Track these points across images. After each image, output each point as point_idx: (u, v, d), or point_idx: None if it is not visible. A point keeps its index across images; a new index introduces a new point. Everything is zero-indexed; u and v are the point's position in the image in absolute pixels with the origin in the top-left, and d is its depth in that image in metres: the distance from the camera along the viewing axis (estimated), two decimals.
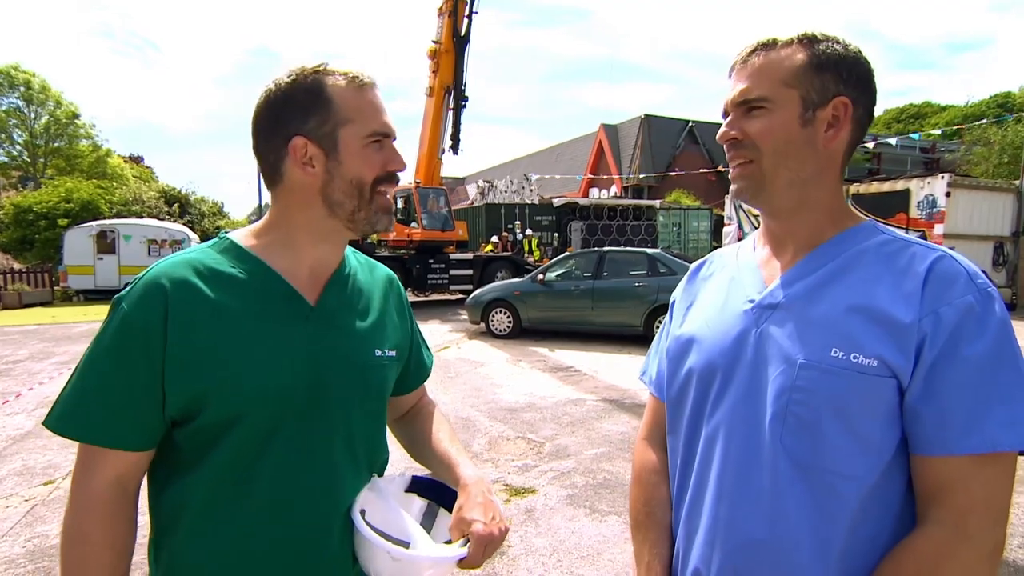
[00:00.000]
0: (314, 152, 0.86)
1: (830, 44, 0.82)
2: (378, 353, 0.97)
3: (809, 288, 0.81)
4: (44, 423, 0.83)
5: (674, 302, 1.05)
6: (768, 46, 0.83)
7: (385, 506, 0.92)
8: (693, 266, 1.06)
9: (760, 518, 0.78)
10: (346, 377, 0.92)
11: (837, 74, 0.81)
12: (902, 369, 0.72)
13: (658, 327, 9.45)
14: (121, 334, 0.82)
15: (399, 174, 0.92)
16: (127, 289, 0.86)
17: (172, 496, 0.86)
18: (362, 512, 0.91)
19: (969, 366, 0.70)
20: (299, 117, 0.86)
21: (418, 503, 0.99)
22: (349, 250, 1.03)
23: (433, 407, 1.17)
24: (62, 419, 0.81)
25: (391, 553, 0.84)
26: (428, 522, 0.95)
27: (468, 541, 0.86)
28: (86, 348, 0.85)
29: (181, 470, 0.86)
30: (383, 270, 1.09)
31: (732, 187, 0.88)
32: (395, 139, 0.92)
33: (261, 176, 0.92)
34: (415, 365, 1.12)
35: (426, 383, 1.19)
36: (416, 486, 1.01)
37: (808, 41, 0.82)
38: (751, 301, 0.86)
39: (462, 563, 0.85)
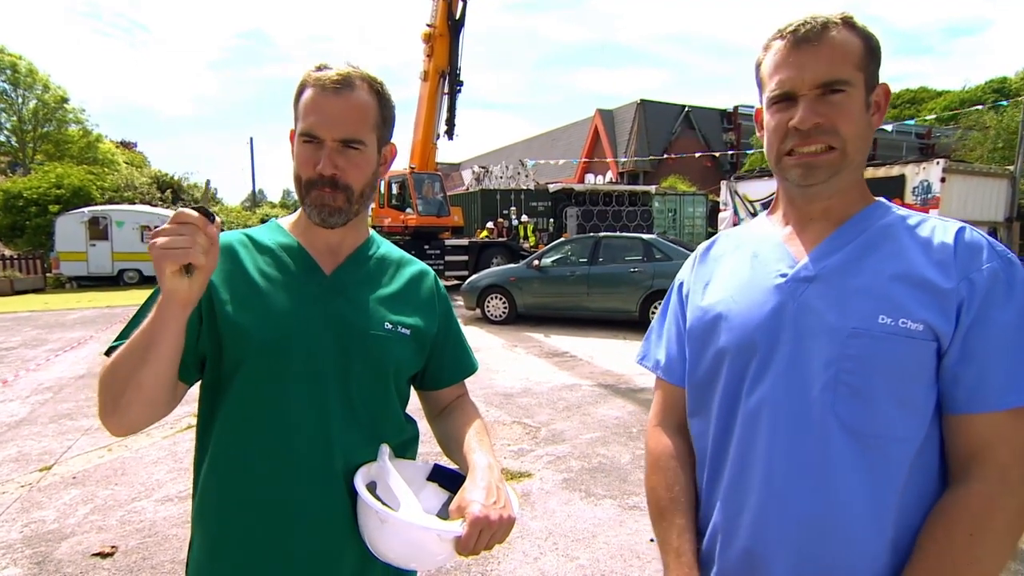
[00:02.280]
0: (293, 146, 0.98)
1: (866, 29, 0.84)
2: (387, 326, 1.01)
3: (845, 260, 0.83)
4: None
5: (682, 283, 1.03)
6: (831, 25, 0.82)
7: (389, 478, 0.92)
8: (702, 247, 1.04)
9: (817, 490, 0.79)
10: (348, 342, 0.97)
11: (879, 60, 0.84)
12: (944, 332, 0.75)
13: (654, 312, 9.37)
14: None
15: (338, 178, 0.95)
16: None
17: (201, 440, 0.99)
18: (372, 485, 0.92)
19: (1003, 328, 0.74)
20: (295, 113, 0.98)
21: (437, 493, 0.98)
22: (383, 240, 1.14)
23: (471, 407, 1.16)
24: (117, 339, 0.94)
25: (379, 514, 0.84)
26: (447, 513, 0.92)
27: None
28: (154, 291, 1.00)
29: (207, 416, 0.98)
30: (417, 264, 1.15)
31: (799, 171, 0.83)
32: (332, 142, 0.93)
33: None
34: (450, 361, 1.14)
35: None
36: (438, 476, 1.00)
37: (852, 24, 0.83)
38: (783, 275, 0.86)
39: (459, 549, 0.83)
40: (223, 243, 0.99)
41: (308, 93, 0.94)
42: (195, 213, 0.77)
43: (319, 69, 0.95)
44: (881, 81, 0.85)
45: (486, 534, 0.83)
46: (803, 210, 0.89)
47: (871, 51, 0.83)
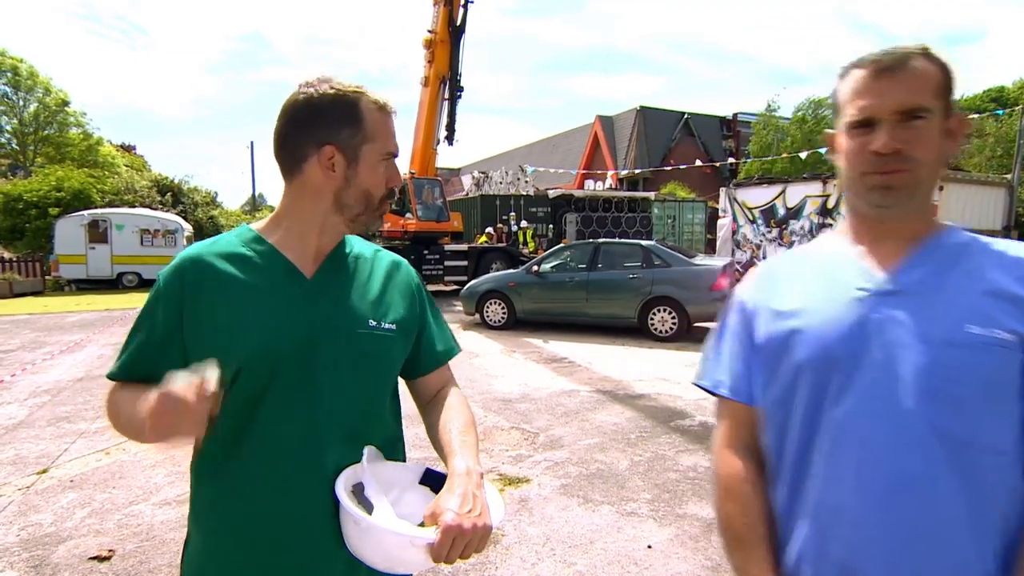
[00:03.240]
0: (338, 160, 0.99)
1: (944, 59, 0.88)
2: (372, 324, 1.03)
3: (928, 275, 0.86)
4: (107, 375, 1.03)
5: (743, 302, 1.02)
6: (913, 55, 0.86)
7: (376, 481, 0.94)
8: (764, 267, 1.05)
9: (916, 502, 0.79)
10: (336, 344, 0.99)
11: (953, 90, 0.88)
12: None
13: (652, 319, 9.23)
14: (154, 299, 1.01)
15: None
16: (165, 269, 1.04)
17: (196, 457, 1.01)
18: (359, 486, 0.94)
19: None
20: (334, 127, 0.98)
21: (427, 496, 0.98)
22: (355, 238, 1.14)
23: (456, 398, 1.15)
24: (115, 369, 1.02)
25: (354, 517, 0.86)
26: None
27: None
28: (140, 311, 1.04)
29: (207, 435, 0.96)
30: (389, 255, 1.17)
31: (879, 193, 0.87)
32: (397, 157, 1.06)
33: (279, 165, 1.02)
34: (430, 346, 1.15)
35: None
36: (429, 479, 1.01)
37: (930, 55, 0.87)
38: (863, 290, 0.88)
39: (433, 556, 0.83)
40: (199, 259, 1.00)
41: (380, 115, 1.02)
42: (193, 400, 0.78)
43: (361, 91, 1.01)
44: (956, 111, 0.87)
45: (460, 542, 0.83)
46: (876, 229, 0.92)
47: (948, 80, 0.86)
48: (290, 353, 0.96)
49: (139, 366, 1.00)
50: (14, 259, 17.27)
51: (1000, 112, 14.58)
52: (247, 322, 0.96)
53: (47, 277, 16.94)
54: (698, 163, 20.47)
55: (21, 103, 27.22)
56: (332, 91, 0.98)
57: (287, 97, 1.00)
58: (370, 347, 1.03)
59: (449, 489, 0.90)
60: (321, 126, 0.98)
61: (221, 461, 0.97)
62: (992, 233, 14.68)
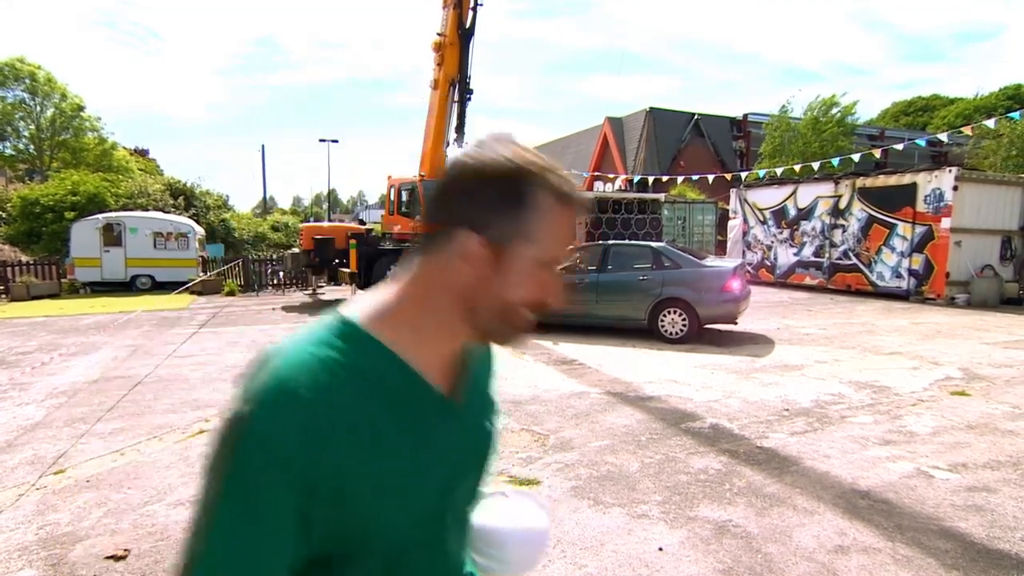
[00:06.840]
0: (480, 254, 0.71)
1: None
2: (495, 437, 0.91)
3: None
4: None
5: None
6: None
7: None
8: None
9: None
10: (478, 474, 0.87)
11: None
12: None
13: (662, 321, 9.19)
14: (257, 470, 0.65)
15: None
16: (247, 402, 0.66)
17: None
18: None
19: None
20: (487, 208, 0.72)
21: None
22: None
23: None
24: None
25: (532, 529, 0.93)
26: None
27: None
28: (209, 486, 0.69)
29: None
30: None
31: None
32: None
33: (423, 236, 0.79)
34: None
35: None
36: None
37: None
38: None
39: None
40: (311, 386, 0.66)
41: (555, 207, 0.72)
42: None
43: (540, 167, 0.72)
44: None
45: None
46: None
47: None
48: (452, 506, 0.80)
49: None
50: (31, 262, 17.52)
51: (1015, 115, 14.32)
52: (413, 482, 0.72)
53: (63, 280, 17.18)
54: (710, 178, 20.31)
55: (38, 109, 27.68)
56: (500, 159, 0.71)
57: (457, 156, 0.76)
58: (494, 457, 0.91)
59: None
60: (470, 203, 0.72)
61: None
62: (1008, 233, 14.46)
